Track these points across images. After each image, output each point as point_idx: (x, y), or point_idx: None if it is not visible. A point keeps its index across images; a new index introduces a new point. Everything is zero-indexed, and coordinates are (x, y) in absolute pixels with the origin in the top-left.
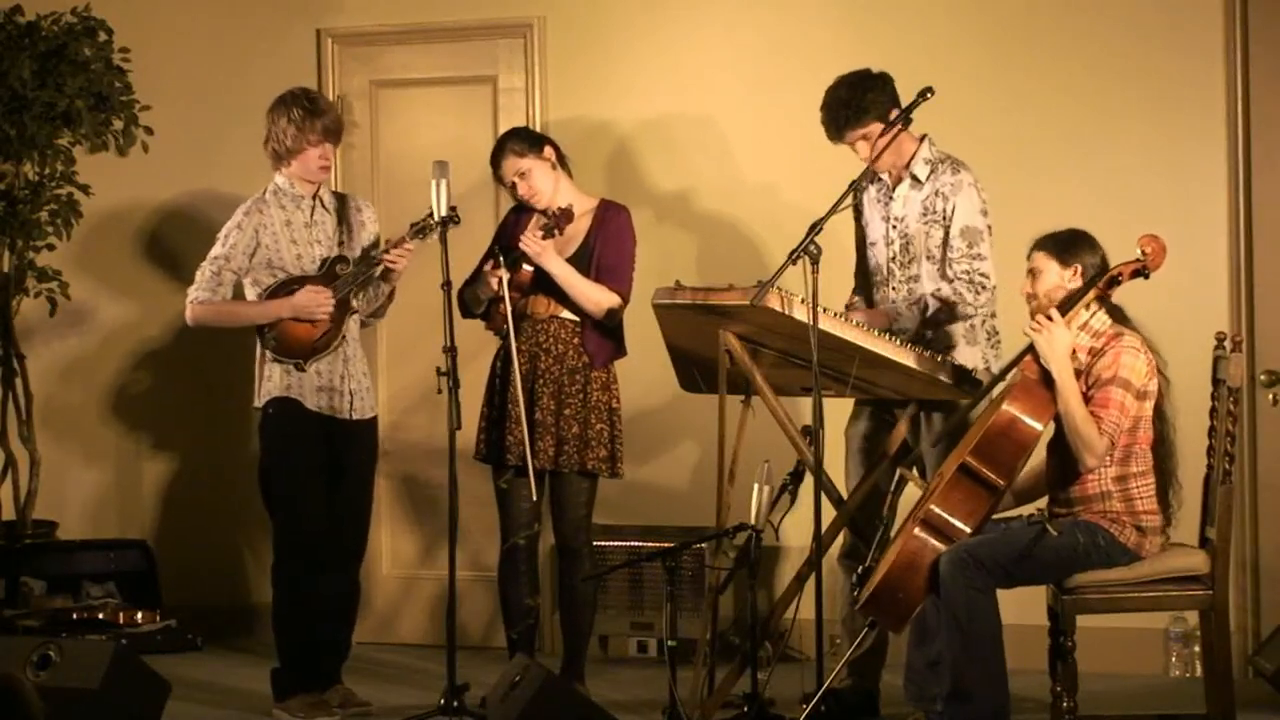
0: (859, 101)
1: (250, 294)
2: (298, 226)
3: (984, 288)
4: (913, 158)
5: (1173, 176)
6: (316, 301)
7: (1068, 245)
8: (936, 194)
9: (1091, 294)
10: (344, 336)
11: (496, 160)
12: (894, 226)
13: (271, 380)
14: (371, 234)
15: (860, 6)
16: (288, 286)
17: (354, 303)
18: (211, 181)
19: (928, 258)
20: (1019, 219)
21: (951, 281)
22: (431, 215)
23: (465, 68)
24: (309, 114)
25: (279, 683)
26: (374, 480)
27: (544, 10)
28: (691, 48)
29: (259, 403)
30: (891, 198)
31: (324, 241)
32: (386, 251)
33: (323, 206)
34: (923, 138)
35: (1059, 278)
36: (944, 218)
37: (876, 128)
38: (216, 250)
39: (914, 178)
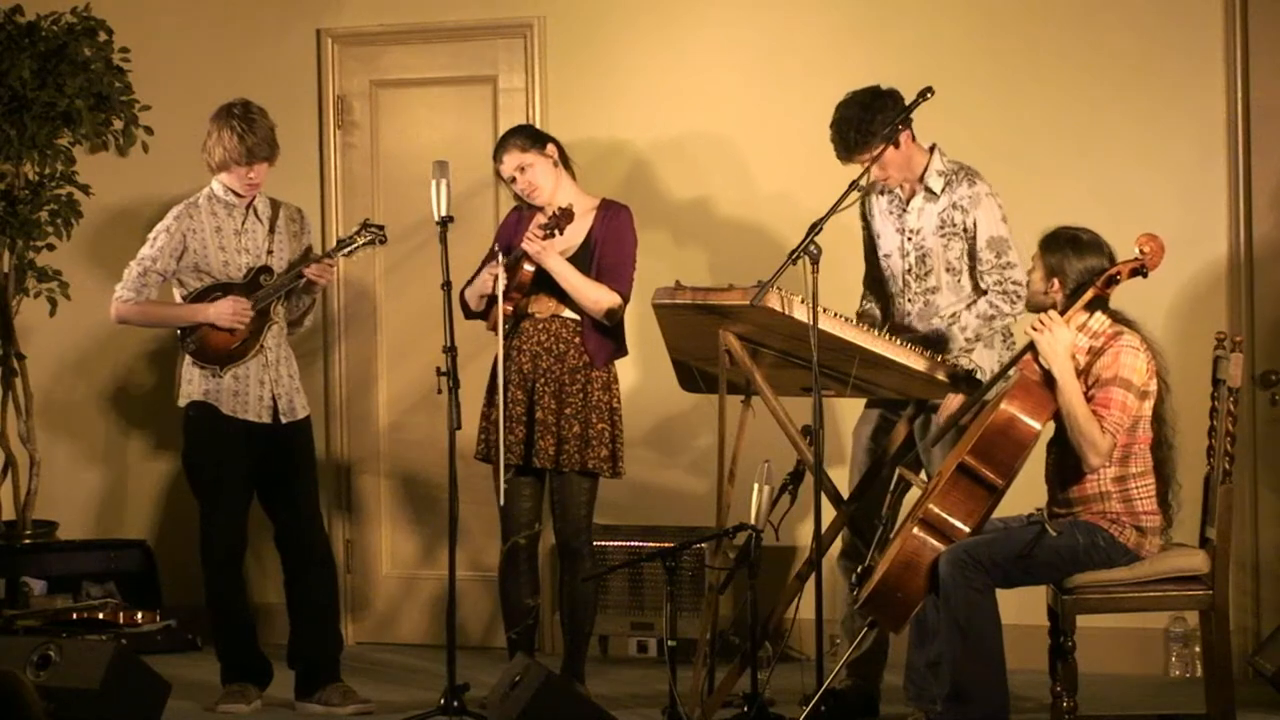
0: (868, 125)
1: (175, 296)
2: (228, 234)
3: (1019, 296)
4: (925, 170)
5: (1173, 176)
6: (235, 311)
7: (1053, 251)
8: (954, 206)
9: (1090, 294)
10: (262, 345)
11: (498, 154)
12: (909, 239)
13: (191, 384)
14: (305, 244)
15: (861, 5)
16: (211, 293)
17: (274, 313)
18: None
19: (947, 269)
20: (1019, 219)
21: (985, 293)
22: (356, 234)
23: (465, 68)
24: (240, 136)
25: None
26: (316, 476)
27: (544, 10)
28: (692, 48)
29: (181, 403)
30: (906, 210)
31: (252, 250)
32: (308, 265)
33: (255, 215)
34: (932, 148)
35: (1041, 284)
36: (965, 231)
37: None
38: (145, 251)
39: (929, 190)
